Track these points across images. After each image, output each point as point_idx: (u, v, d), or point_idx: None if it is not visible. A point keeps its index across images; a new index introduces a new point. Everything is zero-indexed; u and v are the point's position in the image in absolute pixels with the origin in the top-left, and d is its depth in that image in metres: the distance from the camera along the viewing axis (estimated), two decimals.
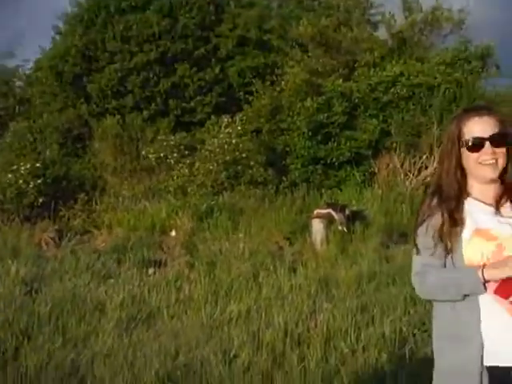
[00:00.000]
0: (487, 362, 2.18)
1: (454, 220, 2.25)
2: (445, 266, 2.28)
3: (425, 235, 2.32)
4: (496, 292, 2.13)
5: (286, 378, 4.34)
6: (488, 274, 2.13)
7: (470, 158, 2.28)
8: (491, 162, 2.24)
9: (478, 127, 2.27)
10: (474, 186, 2.32)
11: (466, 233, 2.24)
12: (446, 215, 2.27)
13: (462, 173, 2.31)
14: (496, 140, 2.24)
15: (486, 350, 2.19)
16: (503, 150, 2.25)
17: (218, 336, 5.56)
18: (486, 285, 2.16)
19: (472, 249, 2.21)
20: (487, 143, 2.24)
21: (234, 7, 20.51)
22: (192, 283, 7.82)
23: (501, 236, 2.19)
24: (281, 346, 5.13)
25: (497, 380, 2.17)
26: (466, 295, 2.20)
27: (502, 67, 18.38)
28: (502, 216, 2.22)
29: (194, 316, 6.37)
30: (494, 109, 2.40)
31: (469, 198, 2.31)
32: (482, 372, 2.19)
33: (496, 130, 2.25)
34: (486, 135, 2.24)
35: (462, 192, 2.31)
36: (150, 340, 5.65)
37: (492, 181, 2.29)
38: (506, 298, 2.12)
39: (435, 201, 2.34)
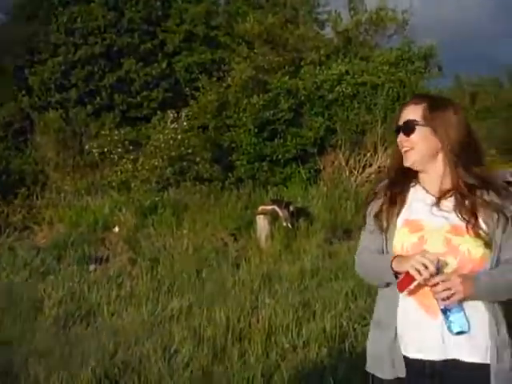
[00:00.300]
0: (403, 352, 2.21)
1: (394, 200, 2.27)
2: (383, 251, 2.30)
3: (369, 216, 2.36)
4: (397, 283, 2.14)
5: (225, 373, 4.30)
6: (395, 266, 2.15)
7: None
8: (405, 149, 2.24)
9: (400, 116, 2.28)
10: (421, 174, 2.31)
11: (399, 222, 2.25)
12: (388, 194, 2.29)
13: None
14: (405, 128, 2.24)
15: (402, 340, 2.21)
16: (419, 137, 2.21)
17: (159, 332, 5.48)
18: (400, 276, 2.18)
19: (397, 238, 2.23)
20: (401, 132, 2.25)
21: (181, 3, 20.32)
22: (134, 279, 7.70)
23: (427, 228, 2.19)
24: (222, 341, 5.09)
25: (414, 370, 2.19)
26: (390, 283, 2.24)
27: (444, 68, 18.87)
28: (439, 208, 2.21)
29: (135, 312, 6.27)
30: (428, 97, 2.31)
31: (417, 185, 2.31)
32: (394, 360, 2.21)
33: (409, 118, 2.24)
34: (400, 124, 2.26)
35: (408, 179, 2.31)
36: (89, 337, 5.52)
37: (419, 169, 2.27)
38: (401, 291, 2.12)
39: (384, 183, 2.36)
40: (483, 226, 2.14)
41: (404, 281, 2.11)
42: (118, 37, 18.73)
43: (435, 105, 2.23)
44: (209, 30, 19.73)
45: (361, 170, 16.23)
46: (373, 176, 16.12)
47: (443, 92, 19.87)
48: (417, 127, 2.20)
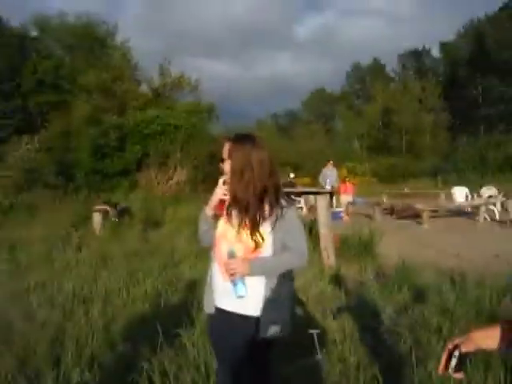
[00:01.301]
0: (215, 302, 2.18)
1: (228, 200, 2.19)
2: None
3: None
4: (218, 211, 2.15)
5: (75, 328, 3.93)
6: (208, 208, 2.18)
7: None
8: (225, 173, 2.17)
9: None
10: None
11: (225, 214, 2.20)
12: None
13: None
14: (220, 159, 2.16)
15: (215, 293, 2.18)
16: (226, 166, 2.12)
17: (20, 302, 4.84)
18: (214, 255, 2.17)
19: (219, 224, 2.19)
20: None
21: (35, 57, 18.44)
22: None
23: (233, 223, 2.14)
24: (70, 305, 4.65)
25: (222, 315, 2.15)
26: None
27: (220, 118, 19.67)
28: None
29: None
30: (235, 137, 2.15)
31: None
32: (209, 302, 2.20)
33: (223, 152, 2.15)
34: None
35: None
36: None
37: None
38: (221, 211, 2.13)
39: None
40: (261, 226, 2.07)
41: (220, 206, 2.13)
42: None
43: (235, 142, 2.12)
44: (56, 79, 18.14)
45: (165, 182, 16.20)
46: (173, 186, 16.16)
47: (218, 133, 20.70)
48: (225, 160, 2.14)
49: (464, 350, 1.34)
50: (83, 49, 19.18)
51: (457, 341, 1.37)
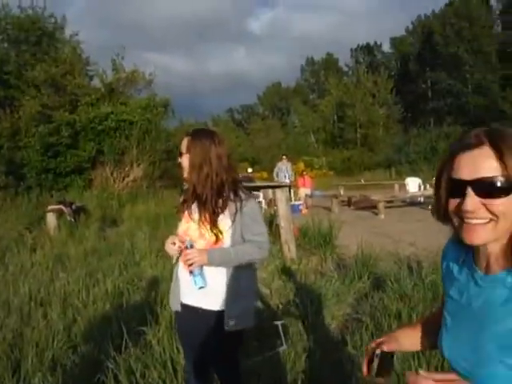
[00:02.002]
0: (180, 298, 2.17)
1: (186, 199, 2.18)
2: None
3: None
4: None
5: (33, 332, 3.79)
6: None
7: None
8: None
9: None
10: None
11: (185, 214, 2.19)
12: (185, 195, 2.20)
13: None
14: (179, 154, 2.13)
15: (180, 288, 2.18)
16: (185, 160, 2.09)
17: None
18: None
19: (181, 224, 2.20)
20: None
21: None
22: None
23: (193, 220, 2.13)
24: (27, 308, 4.47)
25: (186, 310, 2.15)
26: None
27: (175, 113, 19.42)
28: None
29: None
30: (193, 132, 2.14)
31: None
32: (174, 299, 2.20)
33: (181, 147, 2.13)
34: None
35: None
36: None
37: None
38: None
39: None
40: (221, 220, 2.07)
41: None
42: None
43: (194, 137, 2.11)
44: (2, 73, 17.25)
45: (121, 179, 15.88)
46: (130, 184, 15.86)
47: (174, 127, 20.48)
48: (183, 154, 2.12)
49: (386, 349, 1.19)
50: (30, 43, 18.32)
51: (379, 340, 1.23)
